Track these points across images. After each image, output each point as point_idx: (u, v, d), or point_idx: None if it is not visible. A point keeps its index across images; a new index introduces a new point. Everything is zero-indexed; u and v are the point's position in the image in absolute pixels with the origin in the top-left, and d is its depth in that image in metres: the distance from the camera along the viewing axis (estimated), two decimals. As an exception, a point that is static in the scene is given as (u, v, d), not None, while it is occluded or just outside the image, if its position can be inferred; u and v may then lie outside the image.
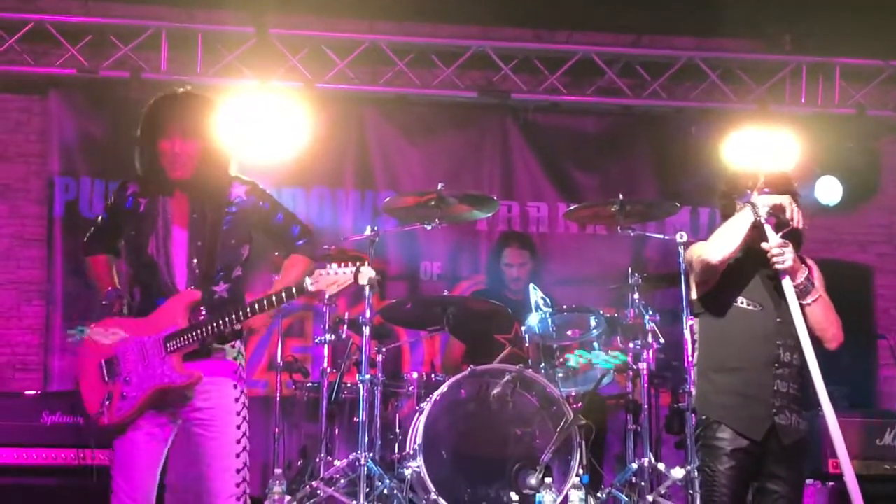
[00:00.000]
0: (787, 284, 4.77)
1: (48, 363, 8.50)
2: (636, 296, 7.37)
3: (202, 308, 4.73)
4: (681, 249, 7.09)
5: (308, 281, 4.69)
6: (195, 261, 4.75)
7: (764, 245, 4.79)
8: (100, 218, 5.08)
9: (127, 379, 4.67)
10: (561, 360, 7.19)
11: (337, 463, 7.20)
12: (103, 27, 8.62)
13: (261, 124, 7.97)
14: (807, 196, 8.94)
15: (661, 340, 7.29)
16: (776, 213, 4.76)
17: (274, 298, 4.70)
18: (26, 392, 7.47)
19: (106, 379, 4.69)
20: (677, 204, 7.98)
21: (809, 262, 5.06)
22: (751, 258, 4.90)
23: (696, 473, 5.92)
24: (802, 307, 4.78)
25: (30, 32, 8.51)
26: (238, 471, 4.75)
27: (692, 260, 5.12)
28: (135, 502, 4.72)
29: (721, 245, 4.82)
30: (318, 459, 7.16)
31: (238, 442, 4.78)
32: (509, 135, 9.28)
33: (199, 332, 4.66)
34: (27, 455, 6.70)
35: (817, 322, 4.81)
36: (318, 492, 6.92)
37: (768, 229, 4.77)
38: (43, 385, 8.41)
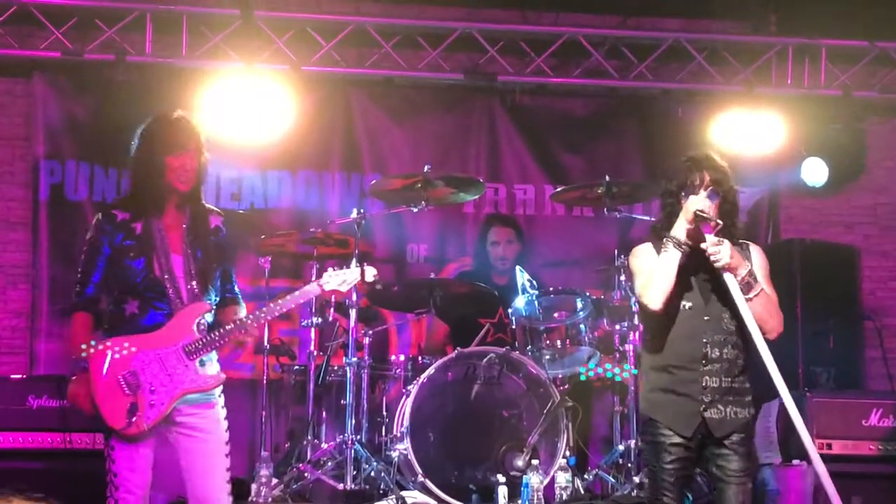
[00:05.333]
0: (731, 280, 4.84)
1: (34, 347, 8.47)
2: (623, 277, 7.38)
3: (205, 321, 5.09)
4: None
5: (321, 281, 5.27)
6: (194, 283, 5.09)
7: (702, 245, 4.86)
8: (95, 264, 5.11)
9: (152, 388, 4.93)
10: (548, 342, 7.20)
11: (324, 446, 7.22)
12: (88, 10, 8.55)
13: (246, 107, 7.97)
14: (793, 177, 9.04)
15: (648, 322, 7.30)
16: (702, 216, 4.83)
17: (288, 299, 5.20)
18: (12, 376, 7.44)
19: (127, 392, 4.91)
20: (664, 186, 7.99)
21: (753, 247, 5.09)
22: (685, 259, 4.95)
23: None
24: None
25: (14, 15, 8.45)
26: (228, 469, 5.11)
27: (632, 274, 5.19)
28: (141, 490, 4.98)
29: (658, 289, 4.89)
30: (305, 442, 7.17)
31: (227, 443, 5.12)
32: (496, 117, 9.24)
33: (215, 339, 5.04)
34: (13, 439, 6.68)
35: (758, 315, 4.86)
36: (306, 474, 6.94)
37: (708, 237, 4.83)
38: (29, 369, 8.38)
